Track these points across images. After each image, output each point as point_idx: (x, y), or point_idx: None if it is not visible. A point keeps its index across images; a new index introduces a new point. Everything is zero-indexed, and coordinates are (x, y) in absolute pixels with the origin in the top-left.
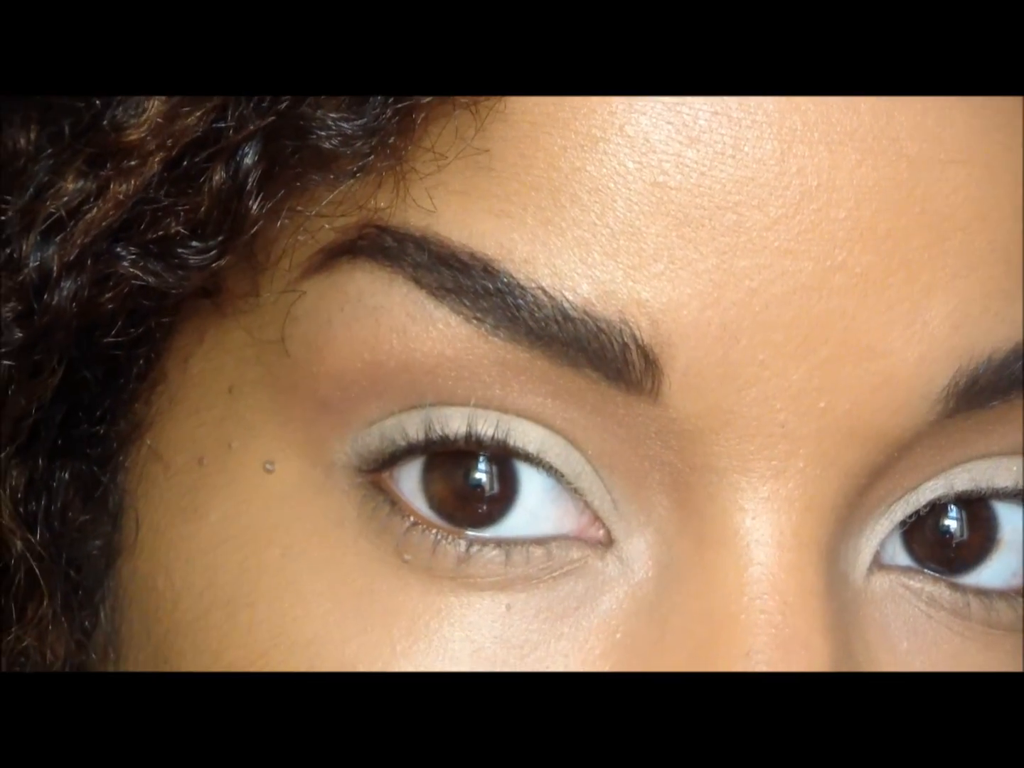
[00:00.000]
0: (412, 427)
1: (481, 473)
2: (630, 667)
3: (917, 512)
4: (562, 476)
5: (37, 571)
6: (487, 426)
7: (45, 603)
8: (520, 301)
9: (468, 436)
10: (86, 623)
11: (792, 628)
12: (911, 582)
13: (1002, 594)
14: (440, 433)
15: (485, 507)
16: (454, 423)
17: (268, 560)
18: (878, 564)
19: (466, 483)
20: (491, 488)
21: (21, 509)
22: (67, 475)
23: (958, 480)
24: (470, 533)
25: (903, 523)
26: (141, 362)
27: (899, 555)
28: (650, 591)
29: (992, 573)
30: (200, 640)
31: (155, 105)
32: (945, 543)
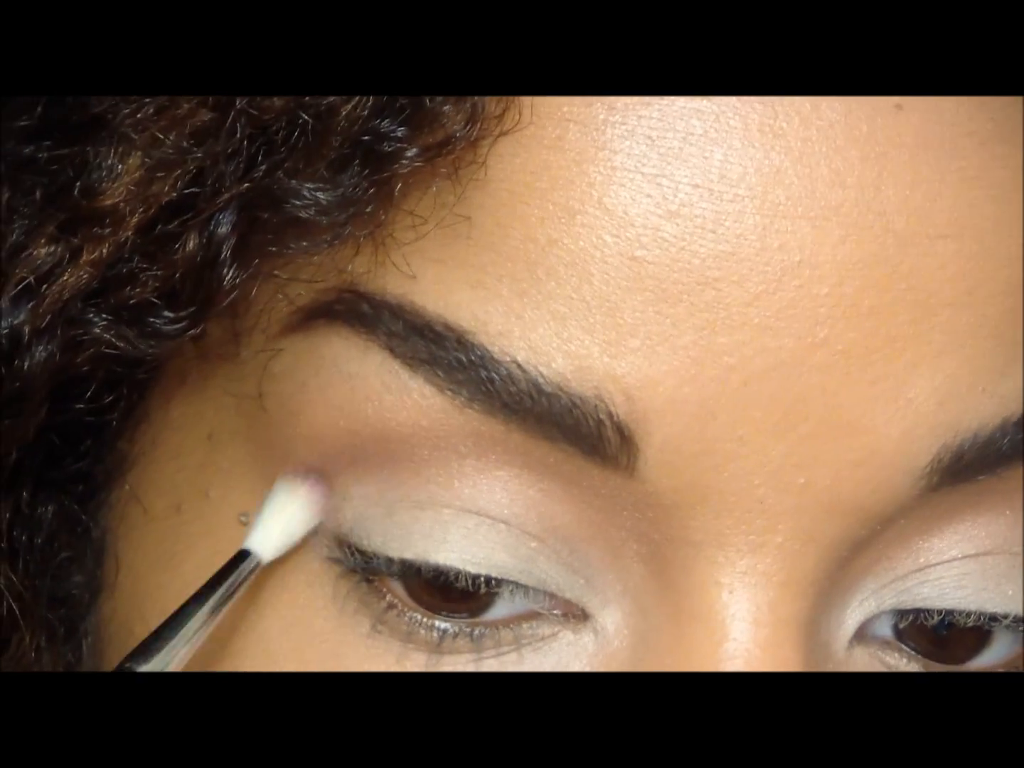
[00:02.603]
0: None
1: (460, 585)
2: None
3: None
4: (528, 590)
5: (15, 607)
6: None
7: (28, 637)
8: (494, 375)
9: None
10: (70, 656)
11: None
12: (888, 658)
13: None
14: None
15: (463, 606)
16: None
17: (239, 617)
18: (859, 636)
19: (446, 585)
20: (470, 591)
21: (3, 543)
22: (51, 511)
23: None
24: (443, 625)
25: (898, 615)
26: (123, 403)
27: (882, 628)
28: (624, 660)
29: (987, 658)
30: None
31: (129, 169)
32: (938, 641)
